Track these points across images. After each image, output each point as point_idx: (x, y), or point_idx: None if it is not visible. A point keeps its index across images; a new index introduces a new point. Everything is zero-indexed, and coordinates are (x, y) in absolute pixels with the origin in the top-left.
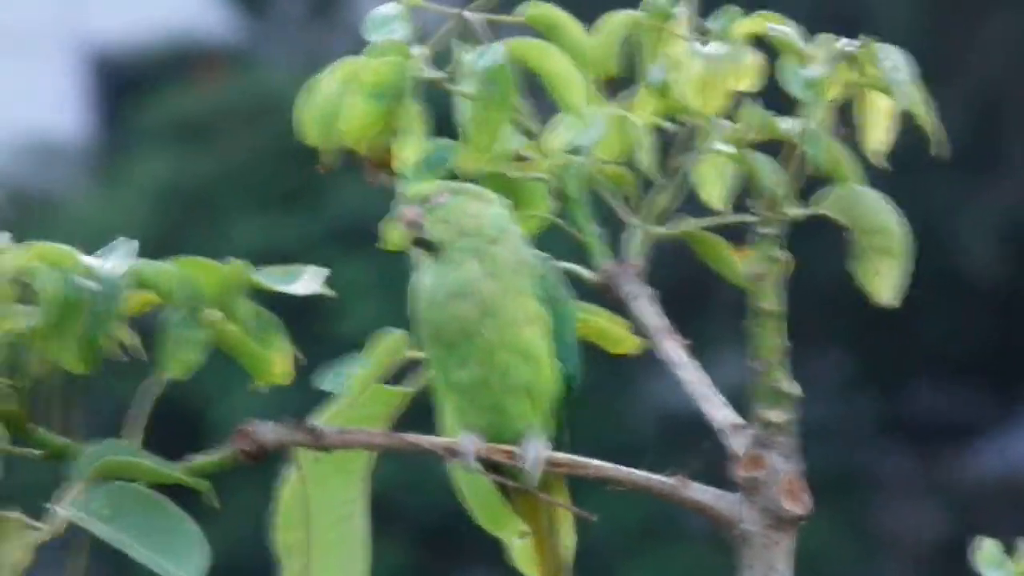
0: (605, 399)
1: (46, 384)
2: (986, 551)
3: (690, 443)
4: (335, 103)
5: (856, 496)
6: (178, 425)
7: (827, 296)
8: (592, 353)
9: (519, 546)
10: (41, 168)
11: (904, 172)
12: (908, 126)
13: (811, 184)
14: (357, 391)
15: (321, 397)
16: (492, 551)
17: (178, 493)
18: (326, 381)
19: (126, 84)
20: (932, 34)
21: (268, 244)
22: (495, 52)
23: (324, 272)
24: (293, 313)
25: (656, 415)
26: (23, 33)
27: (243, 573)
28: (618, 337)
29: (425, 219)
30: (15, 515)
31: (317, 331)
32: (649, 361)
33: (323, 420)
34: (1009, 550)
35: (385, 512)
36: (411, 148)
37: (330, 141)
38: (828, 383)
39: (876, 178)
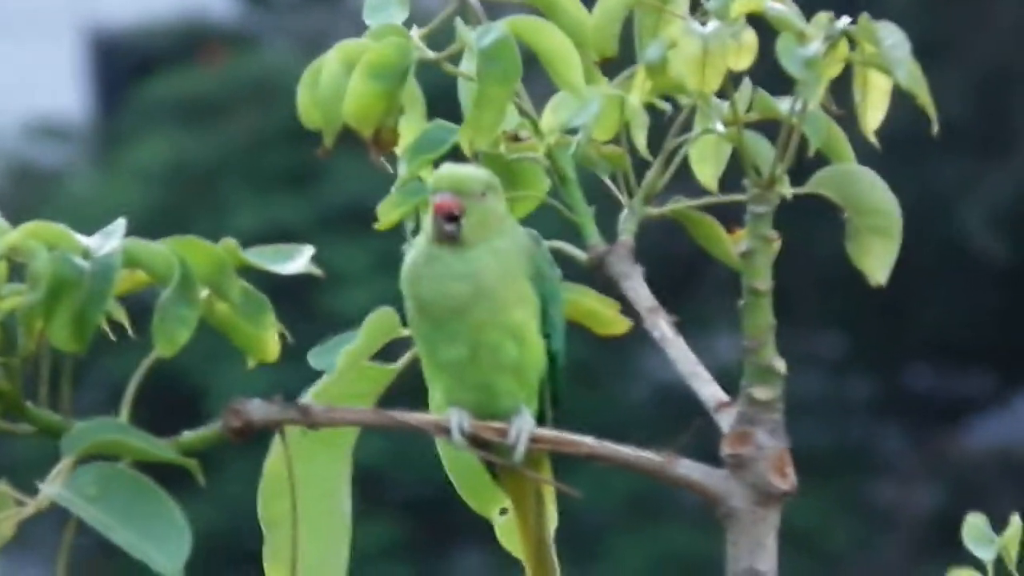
0: (599, 376)
1: (41, 361)
2: (973, 526)
3: (685, 420)
4: (338, 85)
5: (854, 473)
6: (182, 402)
7: (826, 274)
8: (585, 331)
9: (501, 523)
10: (44, 148)
11: (908, 152)
12: (914, 106)
13: (804, 163)
14: (344, 368)
15: (320, 376)
16: (485, 526)
17: (171, 467)
18: (317, 359)
19: (129, 65)
20: (938, 11)
21: (270, 225)
22: (498, 28)
23: (311, 250)
24: (295, 293)
25: (651, 392)
26: (28, 14)
27: (241, 544)
28: (607, 318)
29: (466, 217)
30: (1, 488)
31: (321, 311)
32: (643, 338)
33: (309, 397)
34: (1003, 525)
35: (378, 487)
36: (413, 129)
37: (333, 123)
38: (827, 360)
39: (880, 158)
